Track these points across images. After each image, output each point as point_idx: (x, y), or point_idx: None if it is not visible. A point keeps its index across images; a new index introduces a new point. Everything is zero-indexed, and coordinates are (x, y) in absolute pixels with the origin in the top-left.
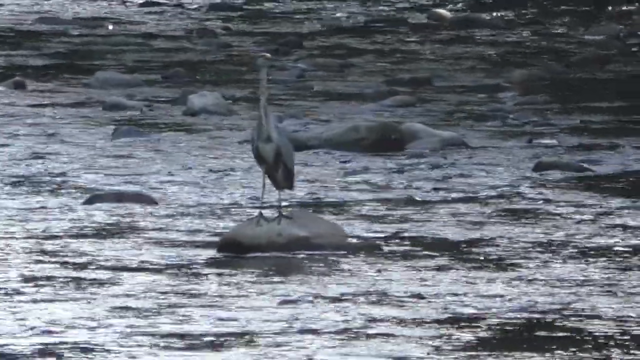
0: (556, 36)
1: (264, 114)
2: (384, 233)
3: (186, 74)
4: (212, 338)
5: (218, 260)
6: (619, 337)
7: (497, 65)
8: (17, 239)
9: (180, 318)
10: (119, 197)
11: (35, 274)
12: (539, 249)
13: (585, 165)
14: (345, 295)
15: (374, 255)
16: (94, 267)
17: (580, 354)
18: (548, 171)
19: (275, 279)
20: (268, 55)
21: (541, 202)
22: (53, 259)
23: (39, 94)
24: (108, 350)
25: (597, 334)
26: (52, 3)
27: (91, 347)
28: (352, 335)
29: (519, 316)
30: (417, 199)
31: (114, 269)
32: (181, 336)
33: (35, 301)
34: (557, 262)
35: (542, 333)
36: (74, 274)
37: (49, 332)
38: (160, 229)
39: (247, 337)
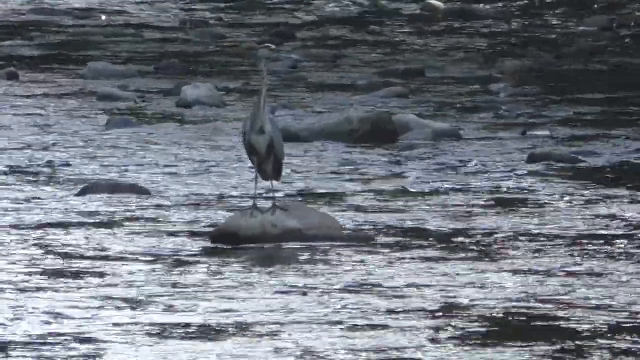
0: (549, 27)
1: (263, 106)
2: (377, 224)
3: (180, 66)
4: (206, 329)
5: (212, 251)
6: (610, 327)
7: (490, 56)
8: (9, 230)
9: (175, 309)
10: (113, 188)
11: (28, 265)
12: (532, 240)
13: (578, 156)
14: (341, 286)
15: (368, 246)
16: (87, 258)
17: (572, 343)
18: (541, 162)
19: (270, 270)
20: (273, 46)
21: (534, 193)
22: (46, 250)
23: (32, 85)
24: (102, 341)
25: (588, 323)
26: None
27: (85, 337)
28: (347, 326)
29: (511, 306)
30: (411, 190)
31: (107, 259)
32: (175, 326)
33: (28, 292)
34: (549, 253)
35: (536, 323)
36: (67, 264)
37: (44, 323)
38: (154, 220)
39: (241, 327)
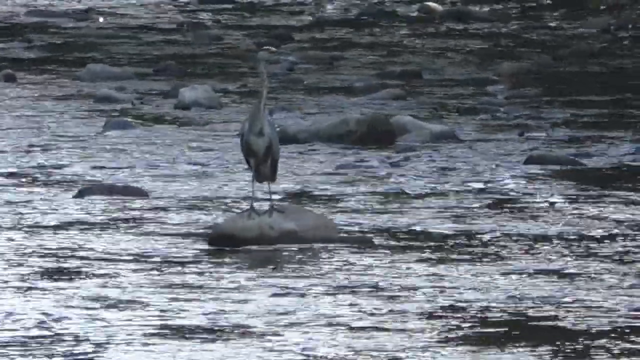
0: (547, 29)
1: (262, 108)
2: (374, 226)
3: (177, 67)
4: (203, 330)
5: (209, 253)
6: (606, 329)
7: (487, 58)
8: (7, 231)
9: (172, 310)
10: (110, 190)
11: (25, 267)
12: (529, 242)
13: (575, 158)
14: (337, 287)
15: (365, 248)
16: (85, 260)
17: (569, 345)
18: (538, 164)
19: (267, 271)
20: (272, 49)
21: (531, 195)
22: (43, 252)
23: (29, 87)
24: (99, 344)
25: (584, 325)
26: None
27: (82, 339)
28: (344, 328)
29: (510, 307)
30: (408, 192)
31: (104, 261)
32: (173, 329)
33: (25, 293)
34: (547, 254)
35: (532, 324)
36: (65, 266)
37: (40, 324)
38: (151, 222)
39: (239, 329)
